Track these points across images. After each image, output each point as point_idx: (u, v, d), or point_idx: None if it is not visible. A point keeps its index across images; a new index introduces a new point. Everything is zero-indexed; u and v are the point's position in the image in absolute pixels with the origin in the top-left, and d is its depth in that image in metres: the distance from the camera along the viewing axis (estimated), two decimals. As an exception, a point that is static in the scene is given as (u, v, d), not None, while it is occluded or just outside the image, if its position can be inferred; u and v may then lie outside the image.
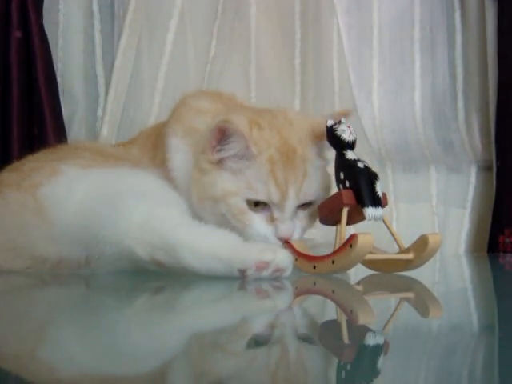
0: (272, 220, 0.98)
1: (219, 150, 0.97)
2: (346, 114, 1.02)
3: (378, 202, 0.91)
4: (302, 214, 1.00)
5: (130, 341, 0.55)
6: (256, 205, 0.97)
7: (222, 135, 0.96)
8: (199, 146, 1.02)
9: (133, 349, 0.52)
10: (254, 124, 0.99)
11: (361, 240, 0.86)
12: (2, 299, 0.83)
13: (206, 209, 0.99)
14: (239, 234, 0.91)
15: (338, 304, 0.79)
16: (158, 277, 0.89)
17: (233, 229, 0.94)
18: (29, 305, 0.75)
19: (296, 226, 0.99)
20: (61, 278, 0.94)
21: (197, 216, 0.97)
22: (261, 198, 0.97)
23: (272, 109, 1.08)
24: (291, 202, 0.97)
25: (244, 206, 0.97)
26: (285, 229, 0.97)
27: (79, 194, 0.92)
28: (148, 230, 0.85)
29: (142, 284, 0.90)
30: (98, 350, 0.52)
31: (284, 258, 0.86)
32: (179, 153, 1.06)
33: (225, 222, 0.97)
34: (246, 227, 0.97)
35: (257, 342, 0.56)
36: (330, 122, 0.96)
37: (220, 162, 0.98)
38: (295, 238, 0.98)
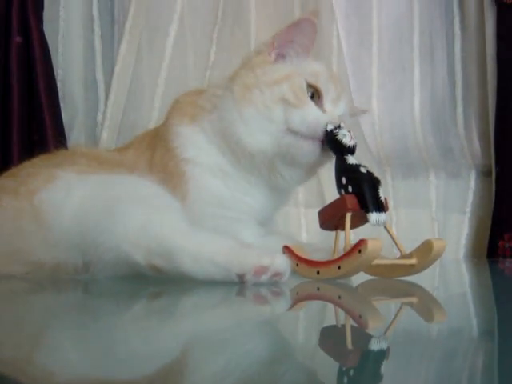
0: (323, 110, 1.02)
1: (285, 45, 1.03)
2: (365, 111, 1.07)
3: (381, 207, 0.91)
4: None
5: (127, 346, 0.55)
6: (311, 95, 1.01)
7: (304, 25, 1.02)
8: (248, 57, 1.06)
9: (130, 354, 0.52)
10: None
11: (370, 245, 0.85)
12: None
13: (251, 99, 1.01)
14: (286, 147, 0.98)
15: (346, 309, 0.79)
16: (155, 282, 0.88)
17: (269, 129, 0.99)
18: (26, 309, 0.75)
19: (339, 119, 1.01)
20: (58, 282, 0.94)
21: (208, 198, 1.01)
22: (321, 85, 1.01)
23: None
24: (343, 104, 1.03)
25: (305, 86, 1.01)
26: (335, 118, 0.99)
27: (76, 200, 0.92)
28: (145, 235, 0.85)
29: (139, 289, 0.90)
30: (95, 354, 0.52)
31: (282, 263, 0.86)
32: (191, 134, 1.09)
33: (267, 114, 1.00)
34: (304, 106, 0.99)
35: (256, 347, 0.56)
36: (330, 127, 0.96)
37: (279, 57, 1.03)
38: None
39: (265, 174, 1.07)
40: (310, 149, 1.01)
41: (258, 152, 1.04)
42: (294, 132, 1.00)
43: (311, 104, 1.01)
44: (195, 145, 1.09)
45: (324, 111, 1.02)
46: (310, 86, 1.02)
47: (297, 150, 1.01)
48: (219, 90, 1.08)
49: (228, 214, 1.06)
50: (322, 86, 1.02)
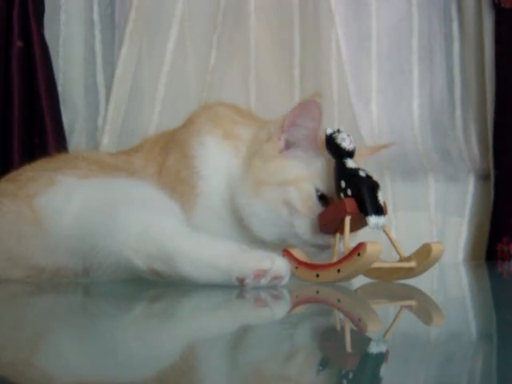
0: None
1: (292, 130, 1.00)
2: (387, 146, 1.11)
3: (380, 210, 0.91)
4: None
5: (127, 349, 0.55)
6: (319, 197, 0.99)
7: (307, 109, 0.98)
8: (258, 139, 1.03)
9: (130, 357, 0.52)
10: None
11: (369, 248, 0.86)
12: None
13: (262, 195, 0.99)
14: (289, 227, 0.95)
15: (345, 312, 0.79)
16: (156, 285, 0.89)
17: (278, 223, 0.97)
18: (26, 312, 0.75)
19: None
20: (58, 286, 0.94)
21: (217, 219, 1.01)
22: (328, 191, 0.98)
23: None
24: None
25: (314, 193, 0.99)
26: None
27: (76, 204, 0.92)
28: (145, 239, 0.86)
29: (139, 292, 0.90)
30: (95, 357, 0.52)
31: (282, 266, 0.86)
32: (217, 152, 1.06)
33: (279, 210, 0.98)
34: (311, 215, 0.98)
35: (256, 350, 0.56)
36: (330, 131, 0.97)
37: (287, 151, 1.00)
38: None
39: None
40: (313, 251, 1.01)
41: (267, 239, 1.02)
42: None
43: (317, 214, 0.98)
44: (216, 163, 1.06)
45: None
46: (318, 190, 0.99)
47: (301, 244, 1.01)
48: (257, 142, 1.04)
49: (229, 234, 1.04)
50: (330, 192, 0.98)
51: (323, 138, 0.98)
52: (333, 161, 0.97)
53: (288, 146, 1.01)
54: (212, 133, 1.08)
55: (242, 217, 1.02)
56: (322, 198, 0.99)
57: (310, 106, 0.98)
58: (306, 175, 0.99)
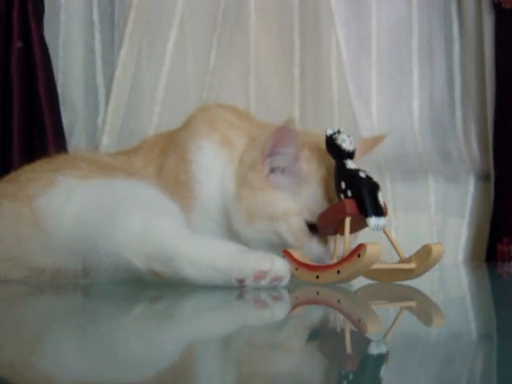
0: (326, 241, 0.99)
1: (272, 159, 0.99)
2: (380, 139, 1.08)
3: (380, 211, 0.91)
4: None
5: (127, 349, 0.55)
6: (310, 226, 0.99)
7: (282, 138, 0.97)
8: (243, 163, 1.03)
9: (130, 357, 0.52)
10: (306, 143, 1.01)
11: (369, 250, 0.86)
12: None
13: (255, 227, 1.00)
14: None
15: (345, 314, 0.79)
16: (155, 286, 0.88)
17: (274, 247, 0.97)
18: (25, 313, 0.75)
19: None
20: (58, 286, 0.94)
21: (213, 223, 1.01)
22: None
23: (316, 132, 1.09)
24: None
25: (304, 226, 0.99)
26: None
27: (76, 205, 0.92)
28: (145, 240, 0.85)
29: (139, 293, 0.90)
30: (94, 358, 0.52)
31: (282, 267, 0.86)
32: (213, 158, 1.07)
33: (271, 239, 0.99)
34: (304, 247, 0.98)
35: (256, 351, 0.56)
36: (330, 132, 0.97)
37: (272, 181, 1.00)
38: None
39: None
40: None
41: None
42: None
43: (311, 243, 0.99)
44: (212, 169, 1.06)
45: (327, 241, 0.99)
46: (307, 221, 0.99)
47: None
48: (243, 165, 1.03)
49: (225, 237, 1.04)
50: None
51: (309, 160, 0.99)
52: (320, 187, 0.98)
53: (271, 171, 1.00)
54: (209, 137, 1.08)
55: (240, 238, 1.02)
56: (313, 227, 0.99)
57: (284, 133, 0.97)
58: (294, 209, 0.99)
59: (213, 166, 1.06)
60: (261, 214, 0.99)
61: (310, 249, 0.99)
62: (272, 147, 0.99)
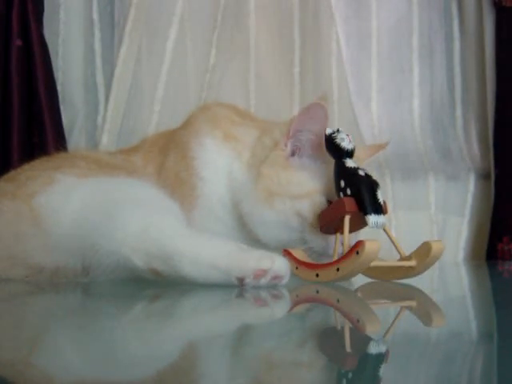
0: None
1: (298, 135, 0.99)
2: (383, 146, 1.09)
3: (379, 209, 0.91)
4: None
5: (126, 348, 0.55)
6: None
7: (313, 112, 0.97)
8: (264, 145, 1.03)
9: (130, 356, 0.52)
10: None
11: (368, 247, 0.86)
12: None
13: (274, 205, 0.99)
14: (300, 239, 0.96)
15: (344, 313, 0.79)
16: (155, 284, 0.88)
17: (287, 233, 0.98)
18: (25, 311, 0.75)
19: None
20: (57, 285, 0.94)
21: (217, 220, 1.01)
22: None
23: None
24: None
25: (326, 205, 0.98)
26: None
27: (75, 203, 0.92)
28: (145, 239, 0.85)
29: (139, 291, 0.90)
30: (94, 357, 0.52)
31: (282, 266, 0.86)
32: (217, 154, 1.07)
33: (287, 221, 0.98)
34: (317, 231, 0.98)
35: (256, 349, 0.56)
36: (329, 131, 0.97)
37: (296, 160, 1.00)
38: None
39: None
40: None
41: (272, 246, 1.02)
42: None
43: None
44: (216, 165, 1.06)
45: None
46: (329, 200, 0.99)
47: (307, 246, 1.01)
48: (263, 148, 1.04)
49: (228, 235, 1.04)
50: None
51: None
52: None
53: (294, 151, 1.01)
54: (211, 134, 1.08)
55: (248, 223, 1.02)
56: None
57: (315, 110, 0.97)
58: (318, 188, 0.99)
59: (217, 162, 1.06)
60: (283, 192, 0.99)
61: (323, 238, 0.99)
62: (301, 123, 0.99)
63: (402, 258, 0.96)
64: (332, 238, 0.98)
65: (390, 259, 0.99)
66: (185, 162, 1.07)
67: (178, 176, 1.06)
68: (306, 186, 0.99)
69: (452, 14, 1.84)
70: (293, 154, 1.01)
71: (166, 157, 1.10)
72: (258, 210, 1.01)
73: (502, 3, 1.71)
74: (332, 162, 0.97)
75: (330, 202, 0.99)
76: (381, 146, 1.12)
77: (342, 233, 0.93)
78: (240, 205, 1.03)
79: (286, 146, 1.01)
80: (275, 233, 1.01)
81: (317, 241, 0.99)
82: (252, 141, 1.07)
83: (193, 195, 1.05)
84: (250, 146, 1.06)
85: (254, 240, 1.02)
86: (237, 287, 0.84)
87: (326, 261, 0.98)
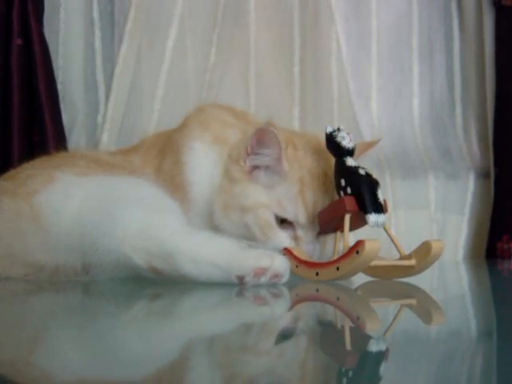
0: (295, 239, 0.99)
1: (254, 157, 1.00)
2: (373, 144, 1.08)
3: (380, 208, 0.91)
4: (323, 239, 1.01)
5: (127, 347, 0.55)
6: (282, 221, 0.99)
7: (262, 139, 0.98)
8: (230, 158, 1.04)
9: (130, 355, 0.52)
10: (290, 142, 1.02)
11: (368, 246, 0.86)
12: None
13: (230, 217, 1.01)
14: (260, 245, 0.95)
15: (344, 311, 0.79)
16: (155, 283, 0.89)
17: (250, 240, 0.97)
18: (25, 310, 0.75)
19: (316, 249, 1.00)
20: (58, 284, 0.94)
21: (208, 224, 1.01)
22: (288, 216, 0.99)
23: (304, 132, 1.12)
24: (317, 226, 0.99)
25: (272, 220, 0.99)
26: (307, 249, 0.98)
27: (75, 202, 0.92)
28: (145, 237, 0.85)
29: (139, 290, 0.90)
30: (94, 356, 0.52)
31: (281, 264, 0.86)
32: (203, 158, 1.07)
33: (245, 232, 0.99)
34: (269, 241, 0.99)
35: (256, 348, 0.56)
36: (329, 129, 0.97)
37: (252, 174, 1.01)
38: (313, 259, 0.99)
39: None
40: None
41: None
42: None
43: (280, 237, 0.99)
44: (204, 169, 1.07)
45: (297, 238, 0.99)
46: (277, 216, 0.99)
47: None
48: (240, 148, 1.04)
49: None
50: (291, 217, 0.99)
51: (291, 158, 0.99)
52: (297, 184, 0.98)
53: (254, 168, 1.01)
54: (201, 138, 1.09)
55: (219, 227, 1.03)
56: (286, 222, 0.99)
57: (264, 136, 0.98)
58: (264, 202, 0.99)
59: (204, 166, 1.07)
60: (234, 204, 1.00)
61: (279, 243, 0.99)
62: (253, 147, 1.00)
63: (402, 257, 0.96)
64: (277, 242, 0.98)
65: (390, 258, 0.99)
66: (177, 166, 1.08)
67: (174, 180, 1.07)
68: (251, 198, 1.00)
69: (452, 13, 1.84)
70: (251, 169, 1.01)
71: (163, 159, 1.11)
72: (221, 222, 1.02)
73: (502, 2, 1.71)
74: (289, 178, 0.98)
75: (278, 219, 0.99)
76: (371, 144, 1.12)
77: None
78: (212, 215, 1.04)
79: (245, 163, 1.01)
80: (240, 237, 1.00)
81: (274, 249, 0.97)
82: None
83: (186, 199, 1.06)
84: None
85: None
86: (237, 286, 0.84)
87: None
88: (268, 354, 0.53)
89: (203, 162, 1.07)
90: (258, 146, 0.99)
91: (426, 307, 0.83)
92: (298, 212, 0.98)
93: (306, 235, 0.99)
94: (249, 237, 0.99)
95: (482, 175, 1.76)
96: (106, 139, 1.63)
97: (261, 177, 1.00)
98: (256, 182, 1.00)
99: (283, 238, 0.99)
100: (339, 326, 0.69)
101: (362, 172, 0.93)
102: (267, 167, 1.00)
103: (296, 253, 0.97)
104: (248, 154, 1.01)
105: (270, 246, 0.98)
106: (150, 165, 1.12)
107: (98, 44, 1.70)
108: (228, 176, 1.03)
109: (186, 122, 1.13)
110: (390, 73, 1.82)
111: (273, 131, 0.97)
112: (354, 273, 0.91)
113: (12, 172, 1.10)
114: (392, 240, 0.97)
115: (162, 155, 1.11)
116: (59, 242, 0.92)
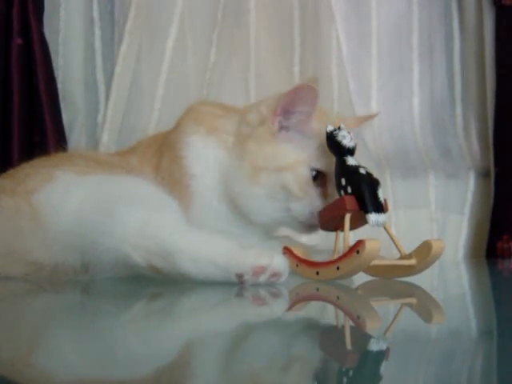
0: (326, 196, 1.02)
1: (285, 117, 1.02)
2: (372, 116, 1.11)
3: (380, 207, 0.91)
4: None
5: (126, 347, 0.55)
6: (314, 179, 1.02)
7: (300, 95, 0.99)
8: (246, 122, 1.06)
9: (129, 355, 0.52)
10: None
11: (368, 246, 0.86)
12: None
13: (260, 182, 1.01)
14: (285, 211, 1.00)
15: (344, 310, 0.79)
16: (155, 283, 0.89)
17: (275, 207, 1.01)
18: (24, 310, 0.75)
19: None
20: (57, 283, 0.94)
21: (213, 217, 1.03)
22: (325, 168, 1.01)
23: None
24: None
25: (310, 176, 1.01)
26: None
27: (74, 200, 0.92)
28: (145, 236, 0.86)
29: (139, 290, 0.90)
30: (94, 355, 0.52)
31: (281, 263, 0.86)
32: (202, 149, 1.08)
33: (277, 193, 1.01)
34: (307, 196, 1.01)
35: (255, 348, 0.56)
36: (330, 128, 0.97)
37: (281, 134, 1.02)
38: None
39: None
40: (306, 231, 1.06)
41: (261, 224, 1.06)
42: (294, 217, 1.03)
43: (313, 195, 1.02)
44: (204, 159, 1.08)
45: (327, 195, 1.02)
46: (313, 169, 1.02)
47: (294, 228, 1.07)
48: (248, 125, 1.06)
49: (228, 230, 1.05)
50: (325, 168, 1.02)
51: (319, 117, 1.01)
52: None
53: (282, 128, 1.03)
54: (196, 131, 1.10)
55: (238, 204, 1.04)
56: (319, 176, 1.02)
57: (304, 92, 0.99)
58: (301, 158, 1.01)
59: (205, 156, 1.08)
60: (267, 165, 1.01)
61: (312, 201, 1.01)
62: (288, 104, 1.01)
63: (403, 257, 0.96)
64: (317, 208, 1.00)
65: (391, 258, 0.99)
66: (176, 162, 1.08)
67: (172, 176, 1.07)
68: (290, 157, 1.01)
69: (452, 12, 1.84)
70: (280, 129, 1.03)
71: (161, 158, 1.11)
72: (246, 187, 1.03)
73: (502, 1, 1.71)
74: (319, 135, 0.99)
75: (315, 172, 1.01)
76: (370, 117, 1.14)
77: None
78: (229, 187, 1.05)
79: (273, 123, 1.02)
80: (263, 208, 1.03)
81: (301, 211, 1.02)
82: (235, 127, 1.09)
83: (187, 193, 1.06)
84: (233, 132, 1.08)
85: (250, 231, 1.05)
86: (236, 286, 0.84)
87: (311, 231, 1.03)
88: (268, 353, 0.53)
89: (203, 153, 1.08)
90: (295, 103, 1.00)
91: (426, 306, 0.83)
92: (332, 162, 0.99)
93: (335, 192, 0.99)
94: (280, 199, 1.01)
95: (483, 175, 1.76)
96: (106, 139, 1.63)
97: (291, 137, 1.02)
98: (287, 141, 1.02)
99: (317, 194, 1.01)
100: (339, 325, 0.69)
101: (362, 171, 0.93)
102: (296, 126, 1.01)
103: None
104: (276, 115, 1.02)
105: (305, 202, 1.01)
106: (147, 164, 1.12)
107: (98, 43, 1.70)
108: (254, 139, 1.03)
109: (180, 122, 1.14)
110: (390, 72, 1.82)
111: (315, 89, 0.98)
112: (355, 272, 0.91)
113: (11, 171, 1.10)
114: (392, 239, 0.96)
115: (160, 154, 1.12)
116: (58, 240, 0.92)
